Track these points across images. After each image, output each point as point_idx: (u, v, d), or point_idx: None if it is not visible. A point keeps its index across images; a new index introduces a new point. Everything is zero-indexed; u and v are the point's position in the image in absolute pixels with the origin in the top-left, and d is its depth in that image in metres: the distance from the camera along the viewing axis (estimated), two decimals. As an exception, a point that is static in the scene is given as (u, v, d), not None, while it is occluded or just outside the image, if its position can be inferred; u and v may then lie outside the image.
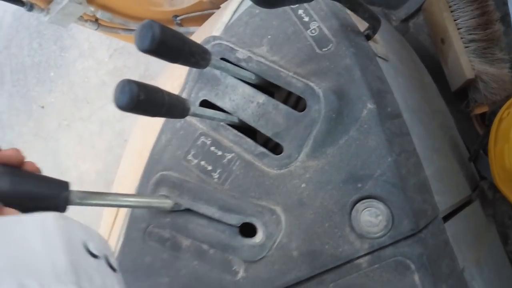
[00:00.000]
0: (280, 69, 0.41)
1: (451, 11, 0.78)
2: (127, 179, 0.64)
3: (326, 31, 0.43)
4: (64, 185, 0.30)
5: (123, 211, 0.46)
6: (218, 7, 1.32)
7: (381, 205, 0.35)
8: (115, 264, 0.23)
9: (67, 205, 0.30)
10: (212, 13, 1.27)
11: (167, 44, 0.30)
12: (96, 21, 1.18)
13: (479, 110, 0.75)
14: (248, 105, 0.42)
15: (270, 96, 0.43)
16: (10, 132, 3.13)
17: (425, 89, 0.64)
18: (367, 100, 0.38)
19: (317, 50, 0.42)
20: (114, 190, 0.74)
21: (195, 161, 0.43)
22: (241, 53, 0.44)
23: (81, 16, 1.14)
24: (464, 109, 0.79)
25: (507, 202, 0.55)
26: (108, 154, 2.48)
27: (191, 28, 1.26)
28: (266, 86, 0.45)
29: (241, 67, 0.43)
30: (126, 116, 2.36)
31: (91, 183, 2.47)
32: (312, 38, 0.43)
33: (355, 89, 0.39)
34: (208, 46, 0.46)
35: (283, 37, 0.44)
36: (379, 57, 0.46)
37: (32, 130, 2.97)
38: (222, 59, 0.44)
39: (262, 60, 0.43)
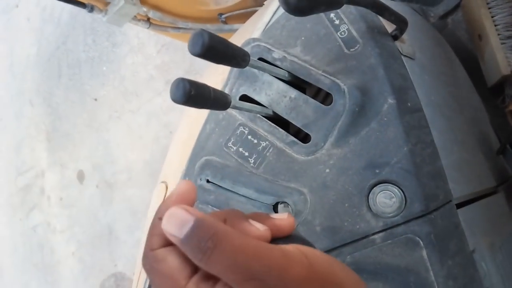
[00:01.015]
0: (310, 67, 0.47)
1: (489, 8, 0.79)
2: (173, 165, 0.72)
3: (354, 33, 0.48)
4: None
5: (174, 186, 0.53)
6: (261, 5, 1.38)
7: (395, 189, 0.40)
8: None
9: None
10: (255, 11, 1.34)
11: (214, 49, 0.37)
12: (148, 20, 1.27)
13: (513, 106, 0.76)
14: (282, 99, 0.48)
15: (301, 92, 0.49)
16: (66, 122, 3.35)
17: (456, 85, 0.67)
18: (388, 96, 0.43)
19: (345, 51, 0.47)
20: (162, 176, 0.83)
21: (234, 148, 0.49)
22: (277, 53, 0.49)
23: (134, 16, 1.24)
24: (500, 105, 0.80)
25: (532, 195, 0.57)
26: (155, 145, 2.62)
27: (235, 26, 1.32)
28: (298, 83, 0.50)
29: (276, 66, 0.49)
30: (172, 109, 2.49)
31: (138, 171, 2.63)
32: (341, 40, 0.48)
33: (378, 86, 0.44)
34: (248, 47, 0.52)
35: (315, 39, 0.49)
36: (405, 56, 0.50)
37: (85, 121, 3.17)
38: (260, 58, 0.50)
39: (295, 59, 0.48)
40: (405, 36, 0.54)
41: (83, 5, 1.15)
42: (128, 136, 2.84)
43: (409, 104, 0.44)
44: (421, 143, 0.42)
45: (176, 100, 0.36)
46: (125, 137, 2.87)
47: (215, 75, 0.81)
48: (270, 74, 0.48)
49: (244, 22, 1.42)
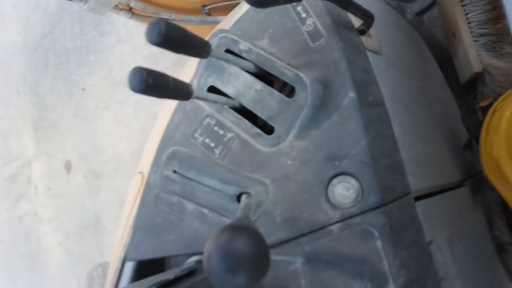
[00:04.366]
0: (275, 60, 0.47)
1: (463, 6, 0.80)
2: (150, 154, 0.72)
3: (320, 26, 0.48)
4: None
5: (144, 181, 0.53)
6: (244, -3, 1.37)
7: (353, 181, 0.41)
8: None
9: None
10: (238, 3, 1.33)
11: (172, 38, 0.37)
12: (130, 10, 1.26)
13: (484, 102, 0.77)
14: (248, 91, 0.49)
15: (269, 84, 0.49)
16: (52, 112, 3.32)
17: (426, 80, 0.68)
18: (349, 90, 0.44)
19: (310, 44, 0.48)
20: (140, 165, 0.83)
21: (201, 138, 0.50)
22: (243, 45, 0.50)
23: (116, 5, 1.22)
24: (472, 101, 0.81)
25: (495, 189, 0.58)
26: (142, 135, 2.61)
27: (219, 17, 1.32)
28: (266, 75, 0.51)
29: (242, 57, 0.49)
30: (160, 101, 2.48)
31: (126, 162, 2.62)
32: (307, 33, 0.49)
33: (340, 80, 0.44)
34: (215, 38, 0.52)
35: (282, 31, 0.50)
36: (370, 50, 0.51)
37: (72, 111, 3.14)
38: (227, 50, 0.51)
39: (261, 52, 0.48)
40: (372, 31, 0.55)
41: (63, -7, 1.13)
42: (115, 127, 2.82)
43: (370, 98, 0.45)
44: (380, 136, 0.43)
45: (133, 88, 0.36)
46: (112, 127, 2.85)
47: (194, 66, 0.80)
48: (236, 66, 0.48)
49: (227, 14, 1.41)
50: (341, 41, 0.46)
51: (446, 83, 0.79)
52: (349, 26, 0.50)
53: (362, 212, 0.40)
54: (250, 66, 0.49)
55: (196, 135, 0.50)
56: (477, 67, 0.77)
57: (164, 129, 0.54)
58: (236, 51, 0.50)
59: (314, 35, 0.48)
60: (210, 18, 1.33)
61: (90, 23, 2.98)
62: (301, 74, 0.45)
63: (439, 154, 0.58)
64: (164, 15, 1.30)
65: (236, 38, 0.50)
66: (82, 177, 2.96)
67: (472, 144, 0.64)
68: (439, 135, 0.61)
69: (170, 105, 0.79)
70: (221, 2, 1.34)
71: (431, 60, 0.79)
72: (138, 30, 2.67)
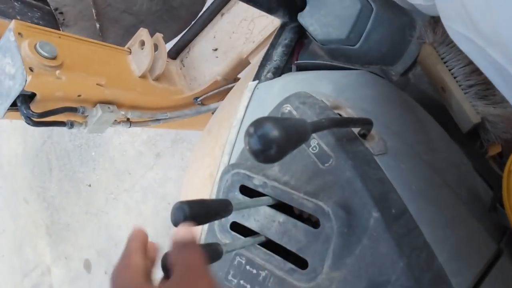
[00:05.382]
0: (292, 191, 0.48)
1: (445, 62, 0.82)
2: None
3: (325, 147, 0.49)
4: None
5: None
6: (232, 82, 1.43)
7: (401, 308, 0.40)
8: None
9: None
10: (228, 88, 1.39)
11: (197, 215, 0.38)
12: (127, 120, 1.30)
13: (493, 151, 0.78)
14: (271, 224, 0.49)
15: (290, 209, 0.50)
16: (63, 214, 3.33)
17: (432, 149, 0.68)
18: (371, 209, 0.44)
19: (321, 166, 0.49)
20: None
21: (235, 280, 0.50)
22: (257, 180, 0.51)
23: (114, 120, 1.27)
24: (480, 150, 0.82)
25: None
26: (155, 219, 2.60)
27: (212, 105, 1.36)
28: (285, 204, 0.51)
29: (259, 192, 0.50)
30: (166, 181, 2.50)
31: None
32: (314, 155, 0.50)
33: (359, 200, 0.45)
34: (228, 175, 0.53)
35: (290, 157, 0.51)
36: (377, 155, 0.52)
37: (83, 209, 3.15)
38: (242, 185, 0.52)
39: (276, 184, 0.50)
40: (373, 131, 0.56)
41: (63, 124, 1.18)
42: (128, 215, 2.82)
43: (393, 211, 0.45)
44: (415, 249, 0.43)
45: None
46: (124, 217, 2.85)
47: (202, 169, 0.82)
48: (257, 206, 0.49)
49: (219, 100, 1.47)
50: (349, 158, 0.48)
51: (449, 138, 0.80)
52: (352, 138, 0.51)
53: None
54: (269, 200, 0.50)
55: (230, 277, 0.50)
56: (475, 118, 0.78)
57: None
58: (251, 186, 0.51)
59: (322, 156, 0.49)
60: (203, 108, 1.38)
61: (85, 122, 3.03)
62: (320, 203, 0.46)
63: (468, 230, 0.57)
64: (161, 116, 1.34)
65: (248, 173, 0.52)
66: (103, 273, 2.91)
67: (496, 206, 0.64)
68: (462, 207, 0.60)
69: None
70: (211, 92, 1.39)
71: (429, 120, 0.81)
72: (132, 118, 2.72)
